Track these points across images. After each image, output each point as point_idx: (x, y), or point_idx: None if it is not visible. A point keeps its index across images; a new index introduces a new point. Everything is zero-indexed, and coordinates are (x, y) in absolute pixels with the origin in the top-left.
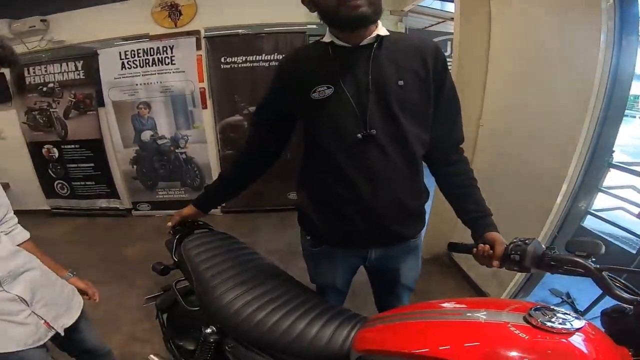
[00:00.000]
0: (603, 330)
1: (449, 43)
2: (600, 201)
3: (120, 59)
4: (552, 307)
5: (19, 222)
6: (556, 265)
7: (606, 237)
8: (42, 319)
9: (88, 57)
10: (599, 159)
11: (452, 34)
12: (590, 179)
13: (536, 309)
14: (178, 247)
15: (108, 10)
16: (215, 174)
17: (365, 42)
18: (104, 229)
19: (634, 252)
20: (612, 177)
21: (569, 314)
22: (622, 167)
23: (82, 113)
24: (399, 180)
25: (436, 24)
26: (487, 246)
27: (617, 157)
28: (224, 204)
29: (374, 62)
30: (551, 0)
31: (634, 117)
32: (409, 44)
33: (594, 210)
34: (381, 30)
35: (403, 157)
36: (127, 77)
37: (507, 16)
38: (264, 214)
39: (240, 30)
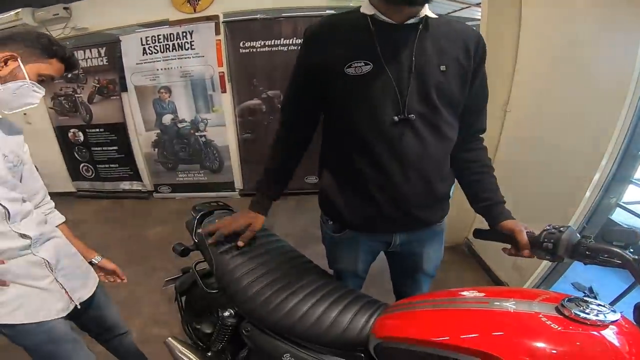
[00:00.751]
0: (636, 324)
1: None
2: (631, 194)
3: (142, 44)
4: (585, 298)
5: None
6: (592, 255)
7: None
8: (63, 287)
9: (111, 44)
10: (633, 149)
11: (477, 19)
12: (623, 170)
13: (569, 300)
14: (198, 227)
15: None
16: (234, 157)
17: (411, 21)
18: (127, 211)
19: None
20: None
21: (603, 306)
22: None
23: (105, 98)
24: (431, 166)
25: (460, 9)
26: (512, 248)
27: None
28: (241, 187)
29: (419, 44)
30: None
31: None
32: (453, 29)
33: (624, 202)
34: (428, 11)
35: (437, 144)
36: (148, 62)
37: (540, 14)
38: (281, 197)
39: (258, 15)
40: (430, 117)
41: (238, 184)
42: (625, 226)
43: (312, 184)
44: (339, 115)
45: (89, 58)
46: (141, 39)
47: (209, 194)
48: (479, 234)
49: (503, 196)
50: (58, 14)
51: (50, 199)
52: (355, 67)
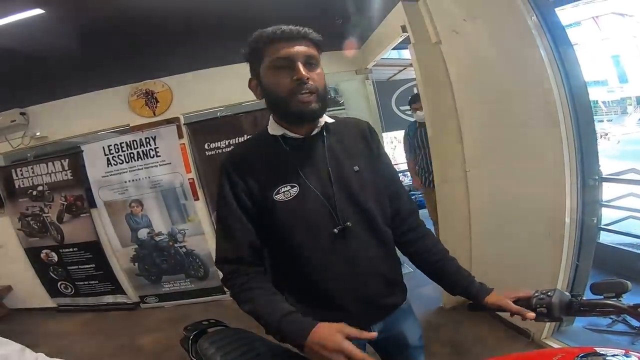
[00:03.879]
0: None
1: (415, 89)
2: (609, 213)
3: (105, 154)
4: (598, 350)
5: (26, 321)
6: (588, 310)
7: (626, 248)
8: None
9: (73, 155)
10: (589, 170)
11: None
12: (589, 195)
13: (583, 356)
14: (194, 345)
15: (85, 101)
16: None
17: (315, 131)
18: (114, 323)
19: None
20: (610, 189)
21: (617, 355)
22: (613, 179)
23: (75, 216)
24: (378, 261)
25: (398, 72)
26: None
27: (608, 164)
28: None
29: (329, 151)
30: (488, 29)
31: (602, 121)
32: (348, 126)
33: (604, 225)
34: (325, 118)
35: (378, 239)
36: (114, 174)
37: (457, 56)
38: None
39: (218, 113)
40: (365, 217)
41: None
42: (615, 246)
43: None
44: (279, 243)
45: (52, 172)
46: (104, 148)
47: (199, 299)
48: (473, 307)
49: (469, 273)
50: (15, 120)
51: (29, 315)
52: (284, 192)
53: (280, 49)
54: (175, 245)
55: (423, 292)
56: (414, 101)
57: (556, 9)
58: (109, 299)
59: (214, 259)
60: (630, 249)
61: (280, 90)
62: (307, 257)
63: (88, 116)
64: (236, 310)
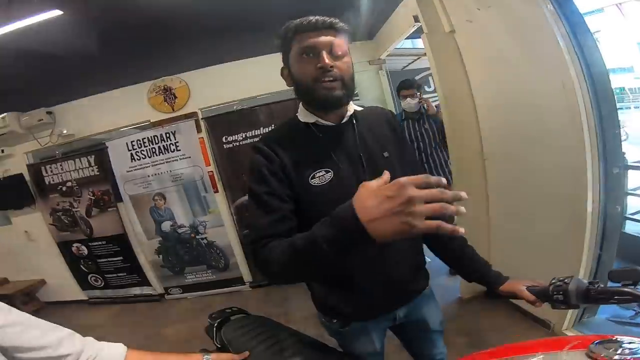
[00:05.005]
0: None
1: (430, 79)
2: (636, 202)
3: (129, 149)
4: (615, 337)
5: (60, 314)
6: (605, 298)
7: None
8: None
9: (99, 152)
10: (612, 158)
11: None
12: (612, 183)
13: (597, 343)
14: (218, 333)
15: (107, 99)
16: (238, 253)
17: (345, 119)
18: (141, 314)
19: None
20: (637, 177)
21: (634, 342)
22: (638, 167)
23: (103, 210)
24: (406, 246)
25: (412, 62)
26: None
27: (636, 152)
28: (251, 280)
29: (360, 138)
30: (503, 18)
31: (629, 107)
32: (374, 114)
33: (630, 214)
34: (353, 106)
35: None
36: (138, 169)
37: (472, 46)
38: (292, 284)
39: (235, 106)
40: None
41: (247, 277)
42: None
43: None
44: (308, 225)
45: (79, 169)
46: (127, 144)
47: (221, 289)
48: (491, 295)
49: (486, 261)
50: (42, 120)
51: (62, 307)
52: (319, 177)
53: (306, 39)
54: (197, 237)
55: (441, 282)
56: (405, 87)
57: None
58: (136, 290)
59: (251, 239)
60: None
61: (306, 77)
62: None
63: (110, 113)
64: (256, 299)
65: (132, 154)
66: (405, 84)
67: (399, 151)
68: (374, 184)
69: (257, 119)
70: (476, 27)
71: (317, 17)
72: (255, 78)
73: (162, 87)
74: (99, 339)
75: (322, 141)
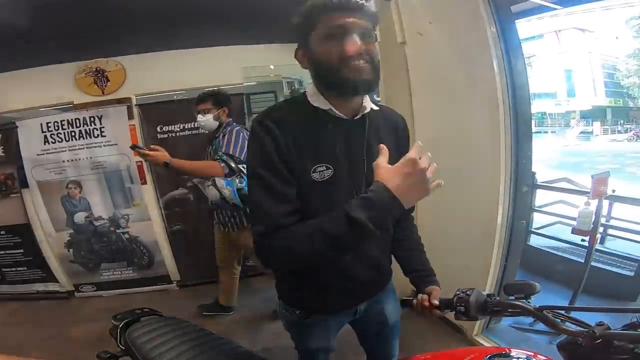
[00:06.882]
0: None
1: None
2: (541, 218)
3: (43, 131)
4: (506, 350)
5: None
6: (500, 310)
7: (553, 251)
8: None
9: (6, 131)
10: (522, 177)
11: None
12: (520, 200)
13: (491, 357)
14: (123, 335)
15: (25, 76)
16: (165, 250)
17: (359, 115)
18: (44, 312)
19: (582, 260)
20: (544, 195)
21: (521, 357)
22: (545, 186)
23: (4, 196)
24: (379, 252)
25: None
26: (425, 296)
27: (545, 172)
28: (179, 278)
29: (367, 141)
30: (450, 33)
31: (546, 132)
32: (385, 117)
33: (535, 229)
34: (368, 102)
35: (387, 231)
36: (51, 152)
37: (419, 58)
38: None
39: (175, 96)
40: None
41: (175, 276)
42: (544, 249)
43: (251, 265)
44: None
45: None
46: (41, 125)
47: (143, 288)
48: (402, 303)
49: (431, 268)
50: None
51: None
52: (319, 171)
53: (335, 19)
54: (117, 231)
55: None
56: (200, 101)
57: (522, 20)
58: (40, 286)
59: (260, 231)
60: (555, 252)
61: (333, 59)
62: None
63: (28, 92)
64: (185, 299)
65: (46, 136)
66: (203, 98)
67: (392, 161)
68: (388, 165)
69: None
70: (425, 40)
71: None
72: (201, 69)
73: (94, 69)
74: None
75: (329, 133)
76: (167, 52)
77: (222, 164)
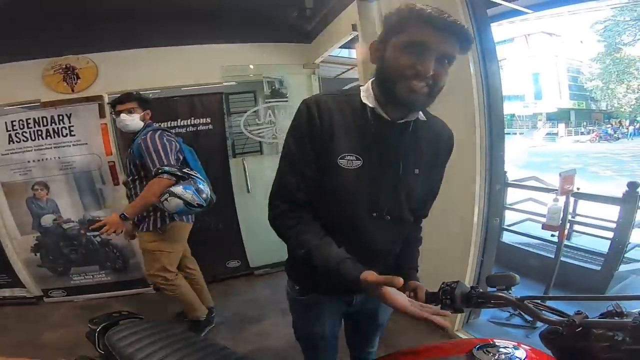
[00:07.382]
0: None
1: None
2: (512, 216)
3: (7, 130)
4: (492, 341)
5: None
6: (484, 302)
7: (524, 247)
8: None
9: None
10: (495, 176)
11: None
12: (494, 199)
13: (479, 348)
14: (101, 338)
15: None
16: (139, 254)
17: (404, 120)
18: (11, 318)
19: (552, 256)
20: (513, 193)
21: (508, 347)
22: (516, 185)
23: None
24: (389, 248)
25: (346, 71)
26: (411, 292)
27: (514, 172)
28: None
29: (408, 146)
30: None
31: (515, 133)
32: (432, 129)
33: (506, 226)
34: (419, 114)
35: (400, 232)
36: (16, 152)
37: None
38: (209, 285)
39: (150, 94)
40: (399, 215)
41: None
42: (516, 245)
43: (233, 267)
44: (321, 198)
45: None
46: (6, 123)
47: (118, 292)
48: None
49: (417, 264)
50: None
51: None
52: (348, 159)
53: (423, 33)
54: (87, 234)
55: None
56: (125, 100)
57: (493, 24)
58: (5, 292)
59: (271, 192)
60: (526, 248)
61: (397, 70)
62: (330, 222)
63: None
64: (159, 303)
65: (10, 135)
66: (123, 98)
67: (430, 172)
68: (398, 293)
69: (175, 110)
70: None
71: (445, 15)
72: (176, 68)
73: (64, 66)
74: None
75: (371, 128)
76: (143, 49)
77: (165, 175)
